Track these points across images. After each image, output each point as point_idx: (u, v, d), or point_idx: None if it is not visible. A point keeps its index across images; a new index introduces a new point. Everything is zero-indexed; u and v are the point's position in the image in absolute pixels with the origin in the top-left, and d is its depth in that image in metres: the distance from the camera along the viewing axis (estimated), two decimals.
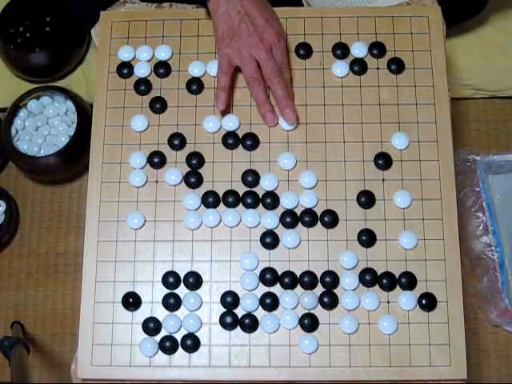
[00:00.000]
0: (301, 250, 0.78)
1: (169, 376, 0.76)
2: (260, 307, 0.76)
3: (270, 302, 0.76)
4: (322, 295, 0.76)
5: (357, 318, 0.76)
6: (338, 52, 0.84)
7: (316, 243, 0.78)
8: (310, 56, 0.84)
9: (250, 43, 0.79)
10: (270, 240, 0.78)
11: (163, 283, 0.78)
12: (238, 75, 0.84)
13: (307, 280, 0.76)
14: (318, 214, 0.79)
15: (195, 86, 0.84)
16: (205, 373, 0.75)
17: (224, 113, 0.82)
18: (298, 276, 0.77)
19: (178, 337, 0.76)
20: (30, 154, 1.30)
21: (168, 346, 0.76)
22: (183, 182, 0.81)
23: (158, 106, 0.83)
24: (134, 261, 0.78)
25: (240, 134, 0.82)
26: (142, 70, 0.84)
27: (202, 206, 0.80)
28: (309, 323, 0.75)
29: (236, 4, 0.79)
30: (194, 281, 0.77)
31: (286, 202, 0.79)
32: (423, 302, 0.76)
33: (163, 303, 0.77)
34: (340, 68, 0.83)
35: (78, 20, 1.31)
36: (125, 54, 0.85)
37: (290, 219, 0.78)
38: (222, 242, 0.79)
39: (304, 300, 0.76)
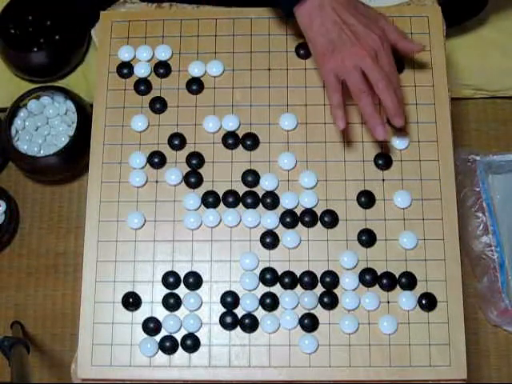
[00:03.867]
0: (301, 250, 0.78)
1: (169, 376, 0.76)
2: (260, 307, 0.76)
3: (270, 302, 0.76)
4: (322, 295, 0.76)
5: (357, 317, 0.76)
6: None
7: (316, 243, 0.78)
8: (310, 56, 0.84)
9: (354, 53, 0.73)
10: (270, 240, 0.78)
11: (163, 283, 0.78)
12: (238, 76, 0.84)
13: (307, 280, 0.76)
14: (318, 214, 0.79)
15: (195, 86, 0.84)
16: (205, 373, 0.75)
17: (224, 113, 0.82)
18: (298, 276, 0.77)
19: (178, 337, 0.76)
20: (30, 153, 1.30)
21: (168, 345, 0.76)
22: (183, 182, 0.81)
23: (158, 105, 0.83)
24: (134, 261, 0.78)
25: (240, 134, 0.82)
26: (142, 70, 0.84)
27: (202, 205, 0.80)
28: (309, 323, 0.75)
29: (330, 14, 0.73)
30: (194, 281, 0.77)
31: (286, 201, 0.79)
32: (423, 301, 0.76)
33: (163, 303, 0.77)
34: None
35: (78, 20, 1.31)
36: (125, 54, 0.85)
37: (290, 219, 0.78)
38: (222, 242, 0.79)
39: (304, 300, 0.76)
